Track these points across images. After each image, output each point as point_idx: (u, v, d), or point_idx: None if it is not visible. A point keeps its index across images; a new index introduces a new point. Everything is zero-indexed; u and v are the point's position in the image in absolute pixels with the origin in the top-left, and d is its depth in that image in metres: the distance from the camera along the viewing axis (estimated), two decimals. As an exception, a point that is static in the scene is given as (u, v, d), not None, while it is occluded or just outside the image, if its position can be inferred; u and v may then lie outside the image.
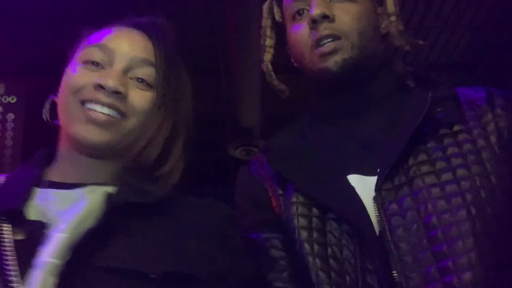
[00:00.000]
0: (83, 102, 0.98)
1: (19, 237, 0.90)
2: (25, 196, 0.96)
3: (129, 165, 1.02)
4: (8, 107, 3.28)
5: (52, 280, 0.83)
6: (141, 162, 1.03)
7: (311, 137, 1.18)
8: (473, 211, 0.99)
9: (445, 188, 1.01)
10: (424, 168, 1.03)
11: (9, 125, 3.25)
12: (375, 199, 1.02)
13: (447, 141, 1.06)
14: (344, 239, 1.02)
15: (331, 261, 1.02)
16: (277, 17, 1.26)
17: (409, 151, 1.04)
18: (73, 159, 1.01)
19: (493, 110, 1.09)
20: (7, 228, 0.91)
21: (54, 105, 1.06)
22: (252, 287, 1.03)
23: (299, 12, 1.16)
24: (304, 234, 1.05)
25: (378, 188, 1.02)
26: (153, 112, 1.03)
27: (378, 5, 1.20)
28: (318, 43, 1.11)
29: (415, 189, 1.02)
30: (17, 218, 0.92)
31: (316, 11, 1.10)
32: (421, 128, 1.05)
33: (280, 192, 1.12)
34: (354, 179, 1.06)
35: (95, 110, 0.97)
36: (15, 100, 3.29)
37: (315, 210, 1.06)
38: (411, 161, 1.04)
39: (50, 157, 1.06)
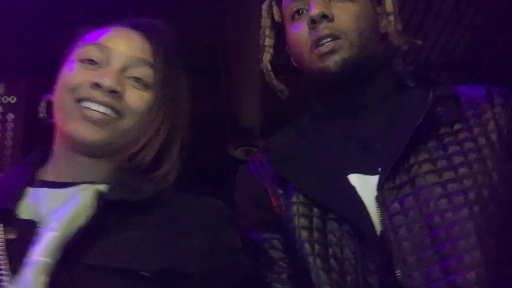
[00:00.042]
0: (79, 101, 0.98)
1: (11, 236, 0.90)
2: (17, 195, 0.96)
3: (124, 164, 1.02)
4: (8, 107, 3.29)
5: (43, 279, 0.83)
6: (137, 163, 1.03)
7: (311, 137, 1.18)
8: (476, 209, 0.98)
9: (447, 186, 1.01)
10: (426, 167, 1.03)
11: (9, 125, 3.25)
12: (377, 198, 1.02)
13: (447, 140, 1.06)
14: (345, 239, 1.02)
15: (332, 261, 1.01)
16: (277, 17, 1.26)
17: (409, 150, 1.04)
18: (68, 158, 1.01)
19: (493, 108, 1.09)
20: None
21: (50, 104, 1.05)
22: (248, 285, 1.02)
23: (299, 12, 1.16)
24: (304, 234, 1.04)
25: (380, 187, 1.02)
26: (150, 112, 1.03)
27: (377, 5, 1.19)
28: (317, 43, 1.11)
29: (417, 188, 1.01)
30: (8, 218, 0.92)
31: (315, 11, 1.10)
32: (421, 128, 1.05)
33: (280, 191, 1.12)
34: (355, 179, 1.06)
35: (91, 109, 0.97)
36: (15, 100, 3.30)
37: (315, 210, 1.06)
38: (412, 160, 1.04)
39: (44, 157, 1.06)
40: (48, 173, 1.02)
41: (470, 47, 3.63)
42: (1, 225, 0.91)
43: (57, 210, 0.92)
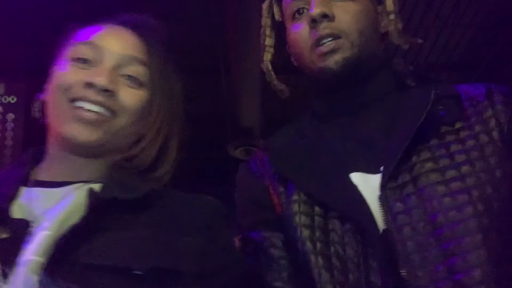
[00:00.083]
0: (72, 100, 0.98)
1: (3, 235, 0.90)
2: (10, 195, 0.96)
3: (119, 163, 1.02)
4: (8, 107, 3.29)
5: (35, 278, 0.83)
6: (137, 163, 1.02)
7: (311, 136, 1.17)
8: (480, 207, 0.98)
9: (450, 185, 1.00)
10: (428, 166, 1.03)
11: (9, 125, 3.25)
12: (380, 198, 1.01)
13: (449, 138, 1.06)
14: (347, 238, 1.02)
15: (334, 259, 1.01)
16: (277, 17, 1.26)
17: (411, 149, 1.04)
18: (62, 158, 1.01)
19: (493, 106, 1.09)
20: None
21: (44, 104, 1.05)
22: (244, 284, 1.02)
23: (299, 11, 1.16)
24: (306, 232, 1.04)
25: (382, 186, 1.02)
26: (144, 110, 1.02)
27: (378, 4, 1.19)
28: (318, 42, 1.11)
29: (420, 187, 1.01)
30: (1, 217, 0.92)
31: (316, 10, 1.10)
32: (422, 127, 1.05)
33: (281, 189, 1.12)
34: (357, 177, 1.06)
35: (85, 108, 0.97)
36: (15, 100, 3.29)
37: (317, 208, 1.06)
38: (414, 159, 1.04)
39: (39, 156, 1.05)
40: (42, 172, 1.02)
41: (470, 47, 3.63)
42: None
43: (50, 209, 0.91)
